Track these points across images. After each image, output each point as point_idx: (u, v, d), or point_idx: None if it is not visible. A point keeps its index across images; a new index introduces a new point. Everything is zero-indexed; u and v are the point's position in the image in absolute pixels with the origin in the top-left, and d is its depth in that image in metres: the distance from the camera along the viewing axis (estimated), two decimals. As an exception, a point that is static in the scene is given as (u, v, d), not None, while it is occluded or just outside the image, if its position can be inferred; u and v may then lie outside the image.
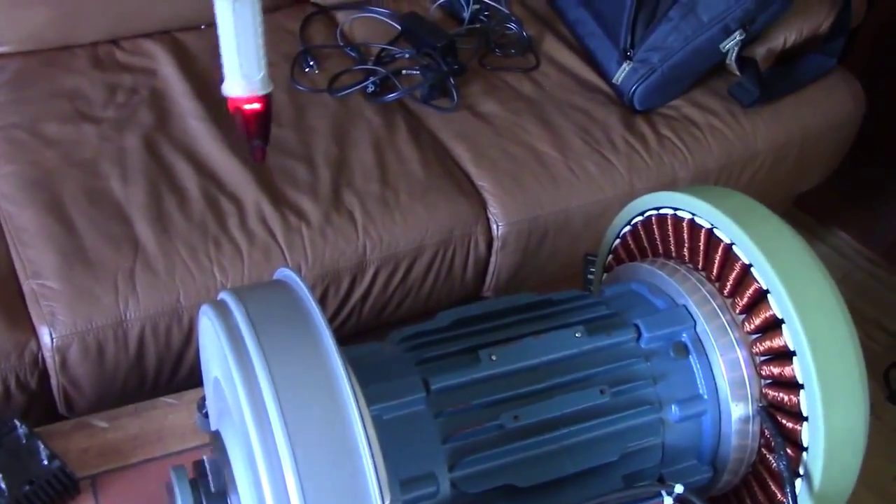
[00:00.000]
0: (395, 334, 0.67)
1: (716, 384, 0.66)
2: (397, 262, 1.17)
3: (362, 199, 1.18)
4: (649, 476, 0.65)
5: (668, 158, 1.35)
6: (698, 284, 0.69)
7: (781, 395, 0.64)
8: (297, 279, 0.57)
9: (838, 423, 0.62)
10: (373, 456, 0.49)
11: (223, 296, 0.57)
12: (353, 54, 1.42)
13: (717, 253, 0.68)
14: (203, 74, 1.33)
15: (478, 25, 1.50)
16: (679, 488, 0.60)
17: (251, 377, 0.51)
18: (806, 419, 0.62)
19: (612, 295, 0.71)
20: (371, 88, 1.34)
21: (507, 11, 1.51)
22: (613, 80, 1.43)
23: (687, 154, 1.37)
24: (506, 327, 0.66)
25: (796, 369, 0.62)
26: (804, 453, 0.63)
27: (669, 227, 0.73)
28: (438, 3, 1.53)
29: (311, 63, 1.38)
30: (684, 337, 0.67)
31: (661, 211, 0.74)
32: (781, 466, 0.63)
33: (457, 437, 0.59)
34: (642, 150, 1.34)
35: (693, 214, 0.70)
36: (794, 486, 0.63)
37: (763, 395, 0.65)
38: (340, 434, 0.49)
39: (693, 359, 0.66)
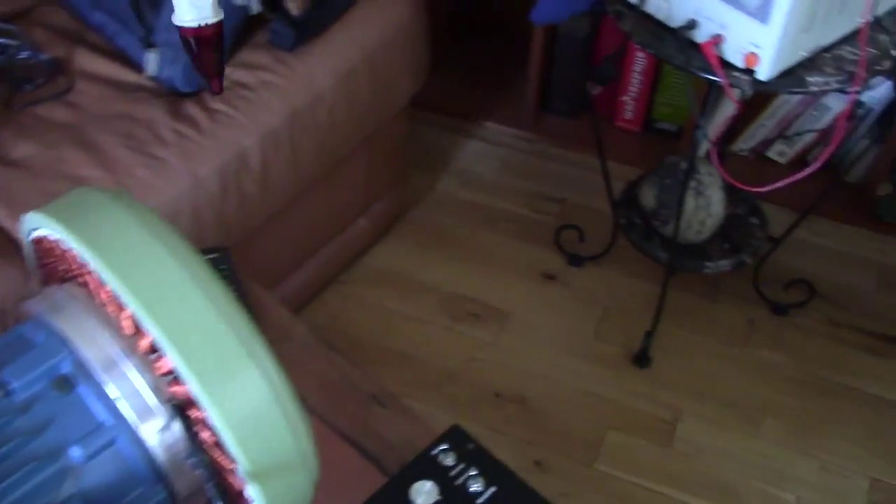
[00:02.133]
0: None
1: (115, 404, 0.59)
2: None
3: None
4: (78, 531, 0.58)
5: (226, 132, 1.29)
6: (77, 303, 0.61)
7: (180, 388, 0.58)
8: None
9: (233, 401, 0.57)
10: None
11: None
12: None
13: (79, 264, 0.61)
14: None
15: (-6, 66, 1.37)
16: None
17: None
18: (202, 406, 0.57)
19: (-6, 349, 0.63)
20: None
21: (16, 42, 1.38)
22: (149, 73, 1.34)
23: (245, 120, 1.31)
24: None
25: (170, 363, 0.56)
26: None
27: (46, 248, 0.65)
28: (-57, 57, 1.38)
29: None
30: (65, 368, 0.59)
31: (36, 234, 0.66)
32: (194, 463, 0.57)
33: None
34: (195, 135, 1.27)
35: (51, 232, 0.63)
36: (210, 476, 0.58)
37: (174, 394, 0.60)
38: None
39: (82, 388, 0.59)
